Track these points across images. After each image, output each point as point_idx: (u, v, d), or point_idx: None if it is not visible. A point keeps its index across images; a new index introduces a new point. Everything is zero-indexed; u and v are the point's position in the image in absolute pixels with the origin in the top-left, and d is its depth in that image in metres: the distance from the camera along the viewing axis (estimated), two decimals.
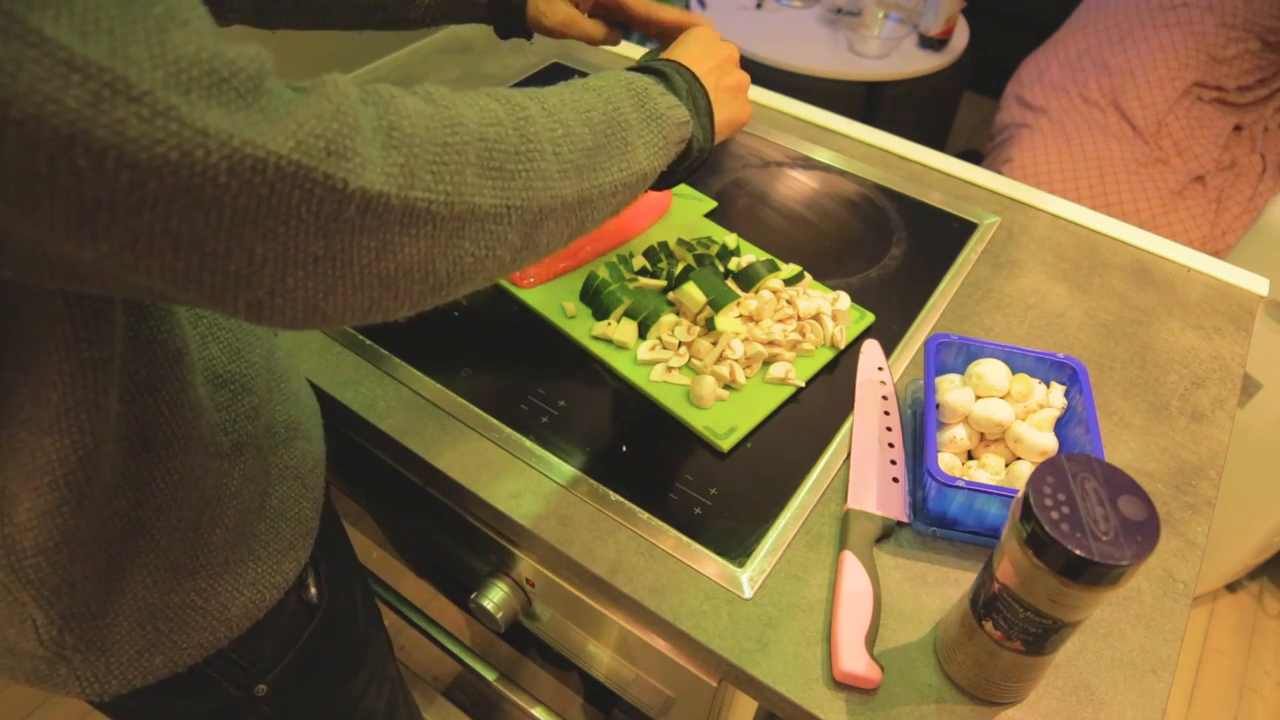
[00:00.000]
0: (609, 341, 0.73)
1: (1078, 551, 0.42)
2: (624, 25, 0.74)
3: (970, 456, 0.65)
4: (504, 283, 0.79)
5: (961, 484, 0.57)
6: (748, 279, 0.75)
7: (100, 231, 0.30)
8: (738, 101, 0.61)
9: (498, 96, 0.43)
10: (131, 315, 0.42)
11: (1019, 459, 0.63)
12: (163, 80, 0.28)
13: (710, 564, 0.59)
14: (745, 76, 0.63)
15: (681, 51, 0.60)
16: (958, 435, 0.64)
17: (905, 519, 0.62)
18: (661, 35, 0.71)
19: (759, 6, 2.17)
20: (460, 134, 0.38)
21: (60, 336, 0.38)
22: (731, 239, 0.83)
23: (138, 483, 0.45)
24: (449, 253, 0.39)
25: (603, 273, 0.78)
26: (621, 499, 0.63)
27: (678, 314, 0.74)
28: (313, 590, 0.60)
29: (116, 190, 0.29)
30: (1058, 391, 0.65)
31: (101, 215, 0.29)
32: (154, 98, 0.28)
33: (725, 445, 0.66)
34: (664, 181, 0.57)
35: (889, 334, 0.77)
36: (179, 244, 0.31)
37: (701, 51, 0.60)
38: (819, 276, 0.81)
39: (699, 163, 0.58)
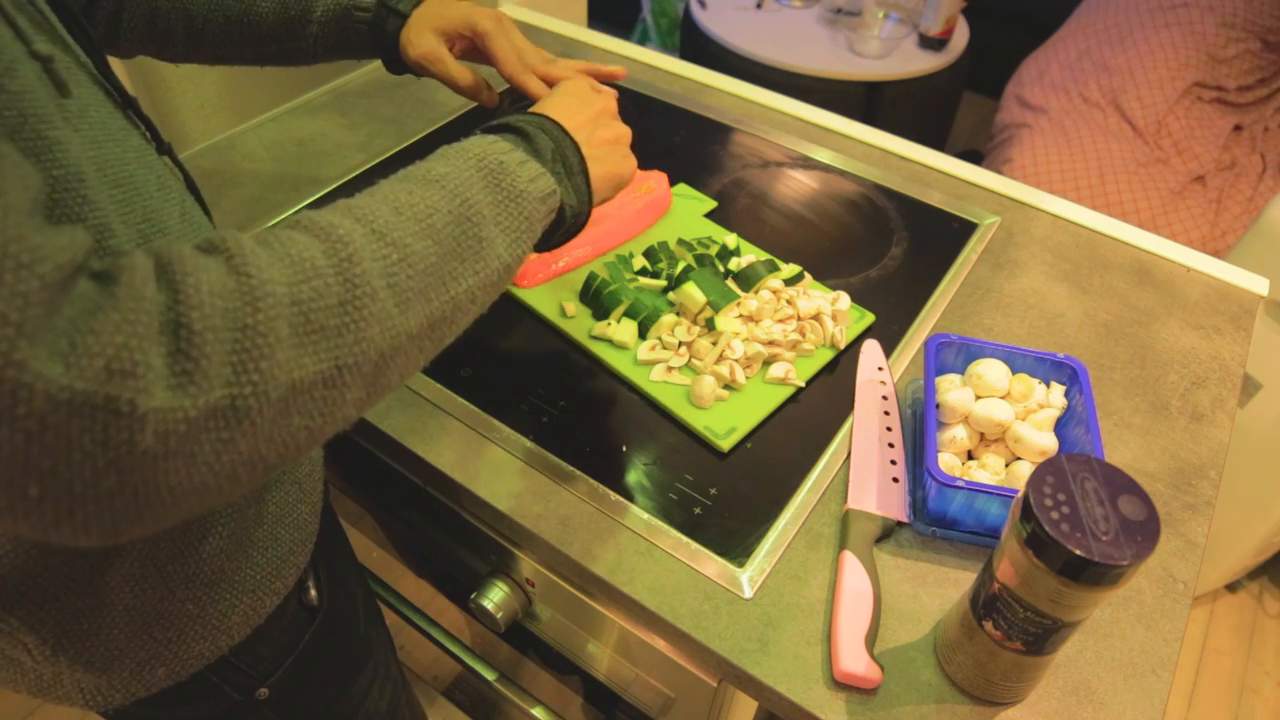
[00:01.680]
0: (609, 341, 0.73)
1: (1078, 551, 0.42)
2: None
3: (970, 456, 0.65)
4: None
5: (961, 484, 0.57)
6: (748, 279, 0.75)
7: None
8: (616, 154, 0.56)
9: (318, 231, 0.37)
10: None
11: (1019, 459, 0.63)
12: None
13: (710, 564, 0.60)
14: (625, 129, 0.58)
15: (551, 105, 0.55)
16: (958, 435, 0.64)
17: (905, 519, 0.62)
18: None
19: (759, 6, 2.17)
20: (264, 309, 0.32)
21: None
22: (731, 239, 0.83)
23: None
24: (277, 437, 0.34)
25: (603, 273, 0.78)
26: (621, 499, 0.63)
27: (678, 314, 0.74)
28: (313, 593, 0.60)
29: None
30: (1058, 391, 0.65)
31: None
32: None
33: (725, 445, 0.66)
34: (540, 249, 0.52)
35: (889, 334, 0.77)
36: None
37: (574, 103, 0.55)
38: (819, 276, 0.81)
39: (577, 227, 0.53)
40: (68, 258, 0.28)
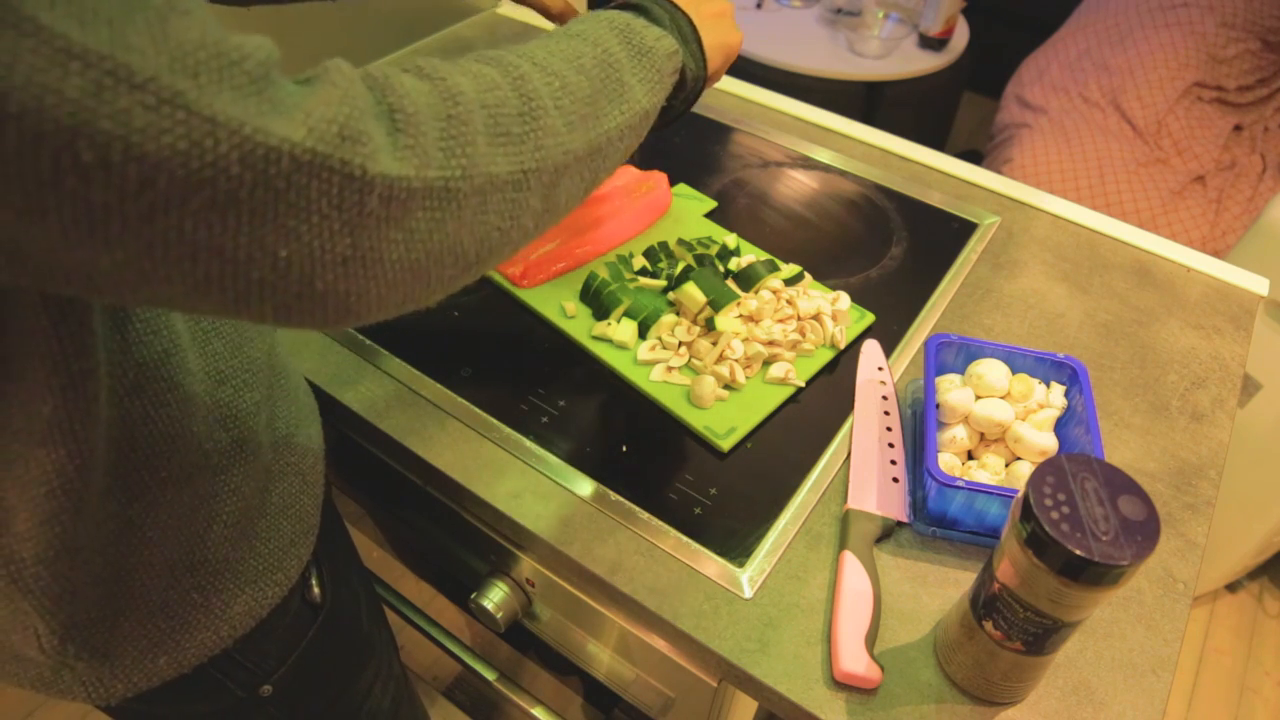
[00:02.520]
0: (609, 341, 0.73)
1: (1078, 551, 0.42)
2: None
3: (970, 456, 0.65)
4: (504, 283, 0.79)
5: (961, 484, 0.57)
6: (748, 279, 0.75)
7: (113, 239, 0.28)
8: (724, 26, 0.59)
9: (488, 60, 0.41)
10: (112, 321, 0.42)
11: (1019, 459, 0.63)
12: (167, 66, 0.27)
13: (710, 564, 0.60)
14: (728, 4, 0.61)
15: None
16: (958, 435, 0.64)
17: (905, 519, 0.62)
18: None
19: (759, 6, 2.17)
20: (462, 105, 0.37)
21: (47, 353, 0.37)
22: (731, 239, 0.83)
23: (126, 483, 0.45)
24: (475, 230, 0.37)
25: (603, 273, 0.78)
26: (621, 499, 0.63)
27: (678, 314, 0.74)
28: (316, 590, 0.60)
29: (125, 190, 0.27)
30: (1058, 391, 0.65)
31: (113, 222, 0.28)
32: (158, 84, 0.27)
33: (725, 445, 0.66)
34: (666, 117, 0.55)
35: (889, 334, 0.77)
36: (196, 251, 0.30)
37: None
38: (819, 276, 0.81)
39: (695, 93, 0.56)
40: (265, 54, 0.30)
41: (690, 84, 0.55)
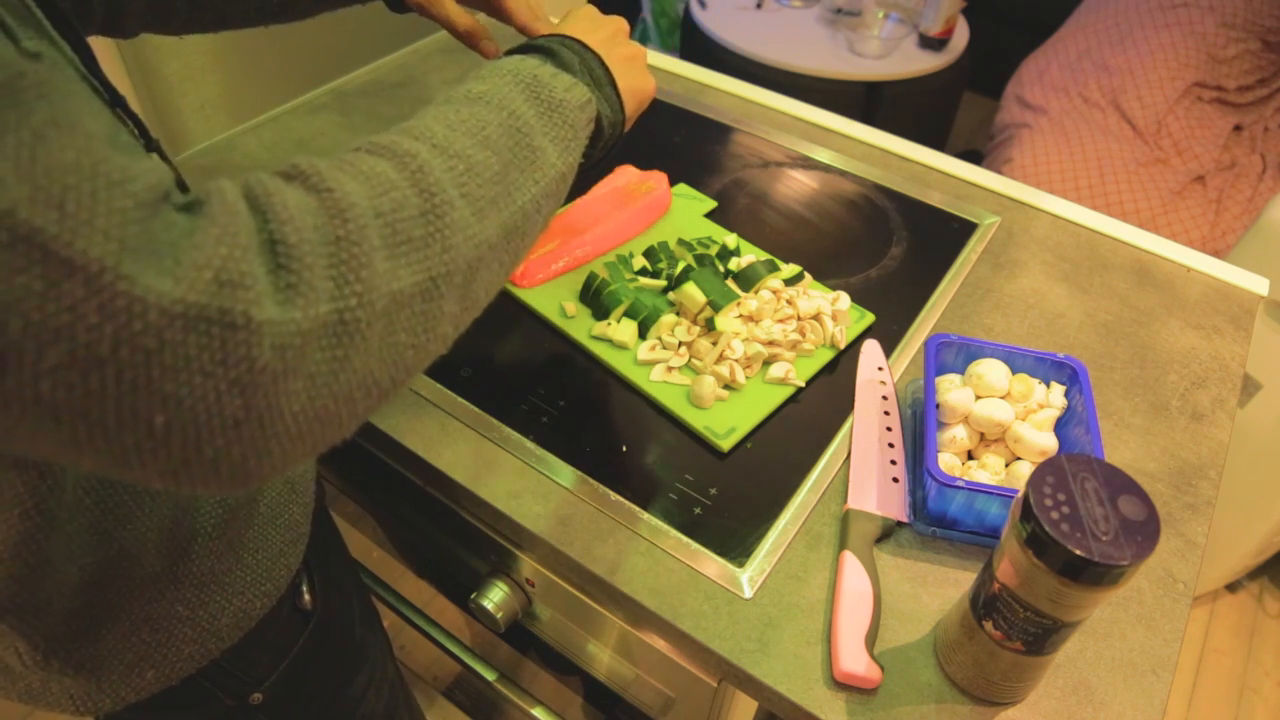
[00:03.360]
0: (609, 341, 0.73)
1: (1078, 551, 0.42)
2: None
3: (970, 456, 0.65)
4: (514, 269, 0.78)
5: (961, 484, 0.57)
6: (748, 279, 0.75)
7: None
8: (636, 69, 0.55)
9: (381, 151, 0.37)
10: None
11: (1019, 459, 0.63)
12: (28, 196, 0.24)
13: (710, 564, 0.60)
14: (640, 48, 0.58)
15: (566, 27, 0.54)
16: (958, 435, 0.64)
17: (905, 519, 0.62)
18: None
19: (759, 6, 2.17)
20: (352, 221, 0.33)
21: None
22: (731, 239, 0.83)
23: (97, 496, 0.44)
24: (386, 355, 0.34)
25: (603, 273, 0.78)
26: (621, 499, 0.63)
27: (678, 314, 0.74)
28: (306, 597, 0.59)
29: None
30: (1058, 391, 0.65)
31: None
32: (14, 219, 0.24)
33: (725, 445, 0.66)
34: (583, 166, 0.51)
35: (889, 334, 0.77)
36: (57, 413, 0.26)
37: (588, 24, 0.54)
38: (819, 276, 0.81)
39: (614, 141, 0.53)
40: (156, 179, 0.28)
41: (608, 131, 0.52)
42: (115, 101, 0.45)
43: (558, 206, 0.46)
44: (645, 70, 0.57)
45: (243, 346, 0.28)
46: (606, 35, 0.54)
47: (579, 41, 0.52)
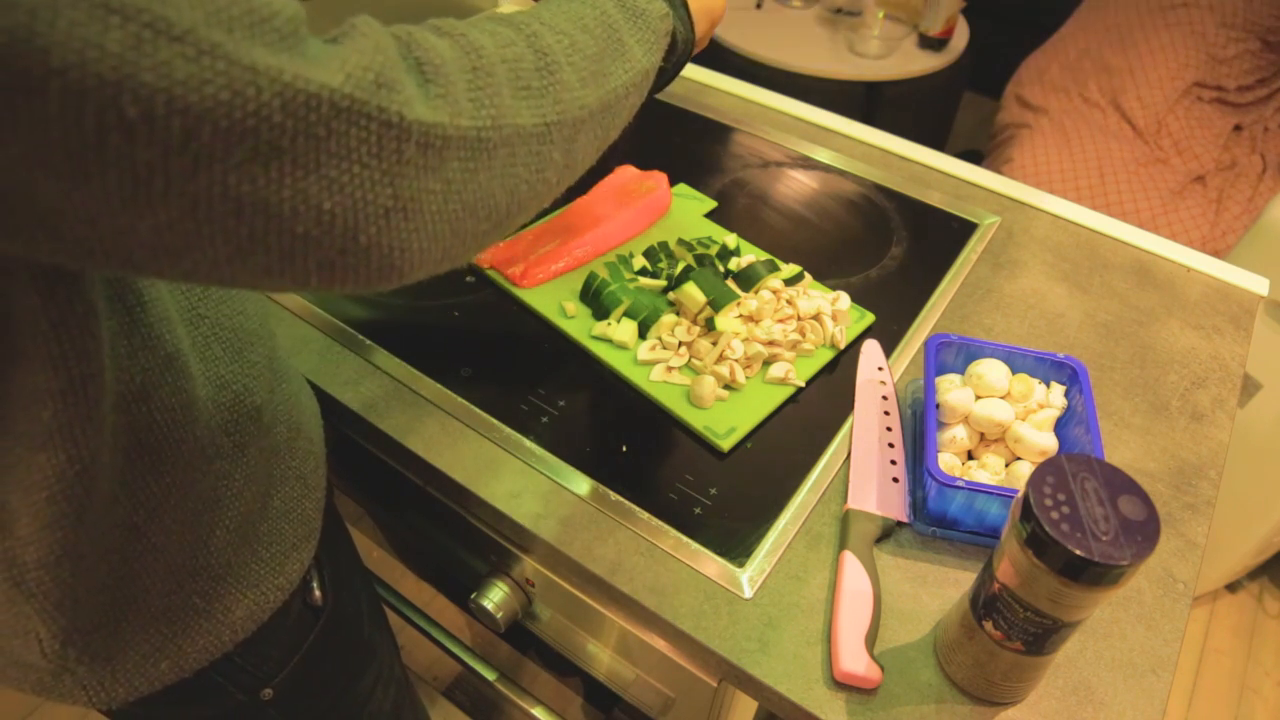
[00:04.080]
0: (609, 341, 0.73)
1: (1078, 551, 0.42)
2: None
3: (970, 456, 0.65)
4: (504, 283, 0.79)
5: (961, 484, 0.57)
6: (748, 279, 0.75)
7: (157, 199, 0.28)
8: None
9: (501, 20, 0.42)
10: (118, 327, 0.41)
11: (1019, 459, 0.63)
12: (203, 19, 0.27)
13: (710, 564, 0.60)
14: None
15: None
16: (958, 435, 0.64)
17: (905, 519, 0.62)
18: None
19: (759, 6, 2.17)
20: (485, 58, 0.38)
21: (46, 355, 0.37)
22: (731, 239, 0.83)
23: (132, 490, 0.45)
24: (505, 181, 0.38)
25: (603, 273, 0.78)
26: (621, 499, 0.63)
27: (678, 314, 0.74)
28: (317, 593, 0.60)
29: (170, 146, 0.27)
30: (1058, 391, 0.65)
31: (157, 180, 0.28)
32: (197, 36, 0.27)
33: (725, 445, 0.66)
34: (659, 81, 0.57)
35: (889, 334, 0.77)
36: (241, 207, 0.30)
37: None
38: (819, 276, 0.81)
39: (686, 55, 0.58)
40: (294, 11, 0.31)
41: (680, 47, 0.56)
42: None
43: (640, 101, 0.52)
44: None
45: (394, 141, 0.32)
46: None
47: None
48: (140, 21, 0.26)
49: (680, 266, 0.78)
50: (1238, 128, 1.92)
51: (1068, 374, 0.65)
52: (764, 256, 0.81)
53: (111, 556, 0.45)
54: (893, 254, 0.86)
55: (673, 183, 0.92)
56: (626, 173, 0.89)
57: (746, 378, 0.70)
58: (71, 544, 0.43)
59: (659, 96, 1.07)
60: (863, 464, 0.65)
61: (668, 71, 0.57)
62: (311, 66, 0.30)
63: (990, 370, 0.64)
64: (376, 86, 0.32)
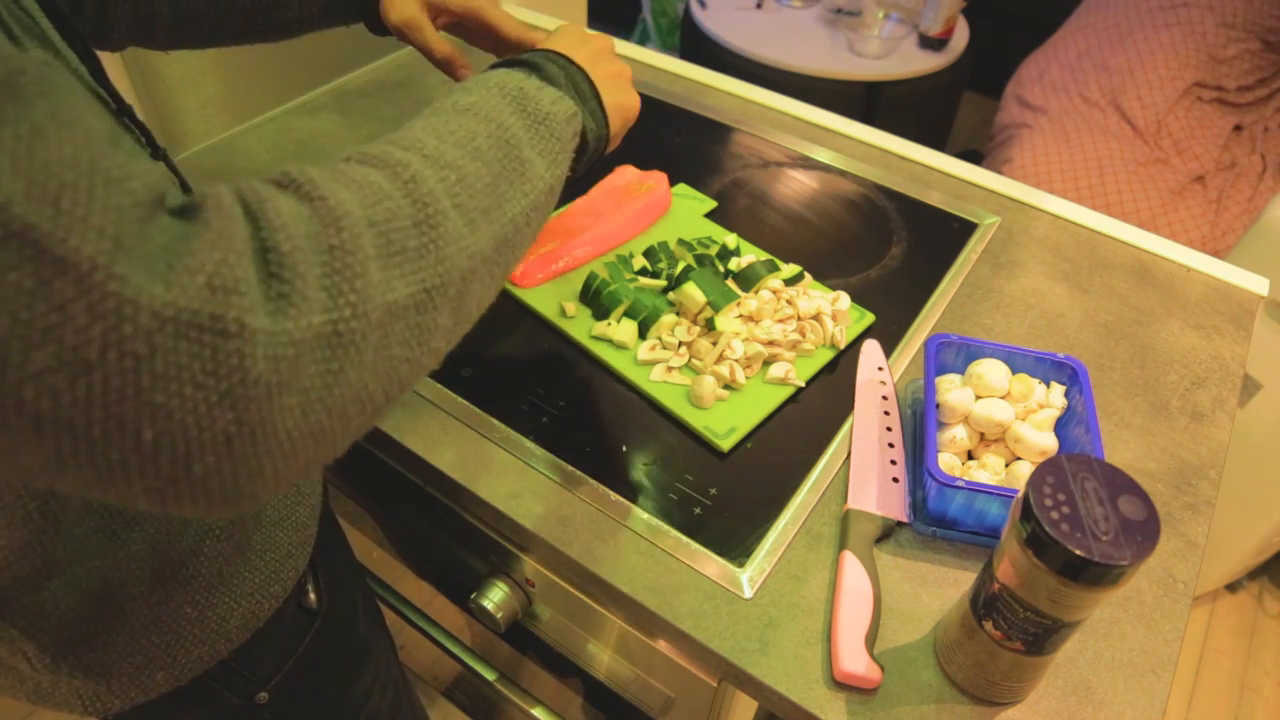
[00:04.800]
0: (609, 341, 0.73)
1: (1078, 551, 0.42)
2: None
3: (970, 456, 0.65)
4: (504, 283, 0.79)
5: (961, 484, 0.57)
6: (748, 279, 0.75)
7: None
8: (621, 86, 0.55)
9: (373, 161, 0.36)
10: None
11: (1019, 459, 0.63)
12: (23, 192, 0.24)
13: (710, 564, 0.60)
14: (625, 67, 0.57)
15: (551, 43, 0.54)
16: (958, 435, 0.64)
17: (905, 519, 0.62)
18: None
19: (759, 6, 2.17)
20: (346, 229, 0.32)
21: None
22: (731, 239, 0.83)
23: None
24: (380, 367, 0.33)
25: (603, 273, 0.78)
26: (622, 499, 0.63)
27: (678, 314, 0.74)
28: (312, 596, 0.60)
29: None
30: (1058, 391, 0.65)
31: None
32: (8, 214, 0.24)
33: (725, 445, 0.66)
34: (567, 183, 0.50)
35: (889, 334, 0.77)
36: (40, 423, 0.25)
37: (573, 40, 0.54)
38: (819, 276, 0.81)
39: (598, 154, 0.53)
40: (153, 180, 0.27)
41: (593, 145, 0.51)
42: (122, 110, 0.46)
43: (545, 220, 0.46)
44: (630, 87, 0.57)
45: (235, 356, 0.27)
46: (592, 52, 0.54)
47: (564, 56, 0.51)
48: None
49: (680, 266, 0.78)
50: (1238, 128, 1.92)
51: (1068, 374, 0.65)
52: (764, 256, 0.81)
53: (90, 562, 0.45)
54: (893, 254, 0.86)
55: (673, 183, 0.92)
56: (626, 173, 0.89)
57: (746, 378, 0.70)
58: (49, 557, 0.42)
59: (659, 97, 1.07)
60: (863, 464, 0.65)
61: (579, 173, 0.51)
62: (141, 262, 0.26)
63: (990, 370, 0.64)
64: (210, 292, 0.27)
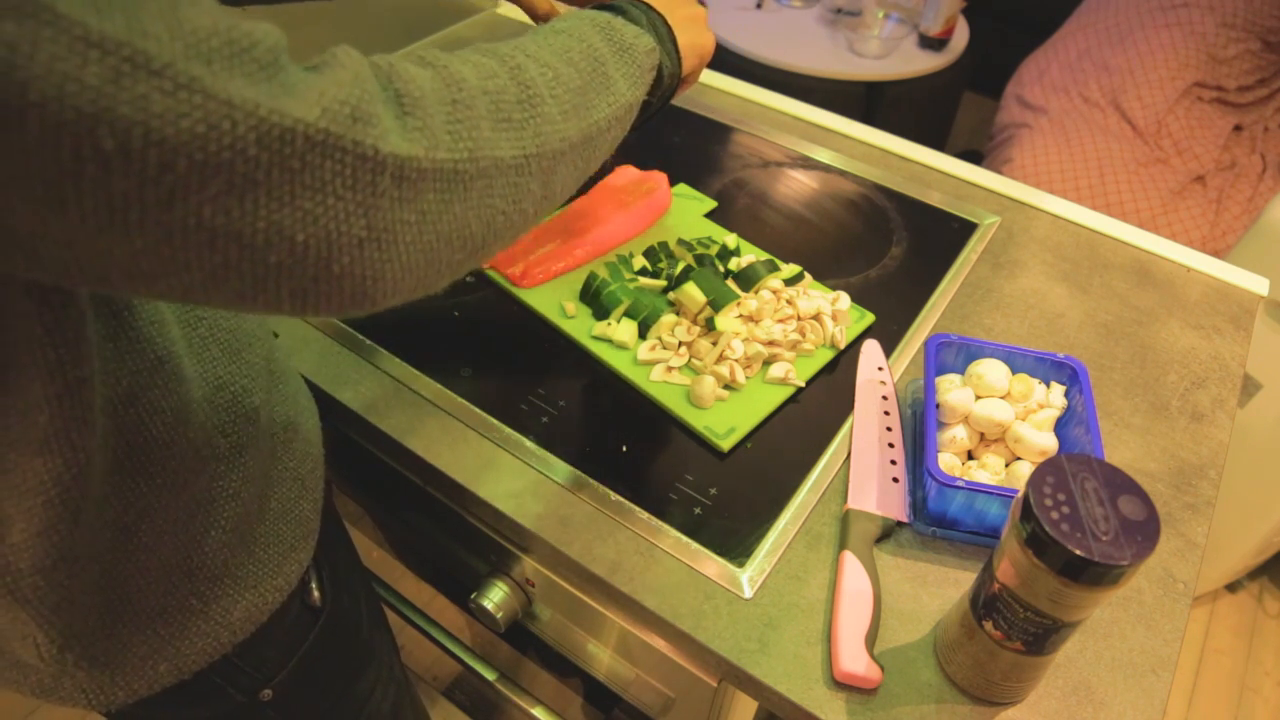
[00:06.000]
0: (609, 341, 0.73)
1: (1078, 551, 0.42)
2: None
3: (970, 456, 0.65)
4: (504, 283, 0.79)
5: (961, 484, 0.57)
6: (748, 279, 0.75)
7: (133, 227, 0.29)
8: (697, 28, 0.60)
9: (485, 51, 0.43)
10: (104, 329, 0.41)
11: (1019, 459, 0.63)
12: (182, 52, 0.28)
13: (710, 564, 0.60)
14: (701, 9, 0.62)
15: None
16: (958, 435, 0.64)
17: (905, 519, 0.62)
18: None
19: (759, 6, 2.17)
20: (465, 90, 0.38)
21: (43, 361, 0.37)
22: (731, 239, 0.83)
23: (122, 491, 0.44)
24: (481, 212, 0.39)
25: (603, 273, 0.78)
26: (621, 499, 0.63)
27: (678, 314, 0.74)
28: (315, 593, 0.60)
29: (145, 177, 0.28)
30: (1058, 391, 0.65)
31: (132, 209, 0.28)
32: (175, 70, 0.27)
33: (725, 445, 0.66)
34: (644, 114, 0.57)
35: (889, 334, 0.77)
36: (215, 237, 0.30)
37: None
38: (819, 276, 0.81)
39: (672, 90, 0.58)
40: (274, 41, 0.31)
41: (667, 81, 0.57)
42: None
43: (623, 133, 0.52)
44: (705, 28, 0.62)
45: (369, 174, 0.32)
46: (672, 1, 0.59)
47: (645, 2, 0.57)
48: (120, 55, 0.26)
49: (680, 266, 0.78)
50: (1238, 128, 1.92)
51: (1068, 374, 0.65)
52: (764, 256, 0.81)
53: (104, 557, 0.45)
54: (893, 254, 0.86)
55: (673, 183, 0.92)
56: (626, 173, 0.89)
57: (746, 378, 0.70)
58: (66, 547, 0.43)
59: None
60: (863, 464, 0.65)
61: (652, 105, 0.57)
62: (288, 99, 0.30)
63: (990, 370, 0.64)
64: (353, 120, 0.32)
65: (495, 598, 0.69)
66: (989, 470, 0.62)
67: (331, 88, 0.32)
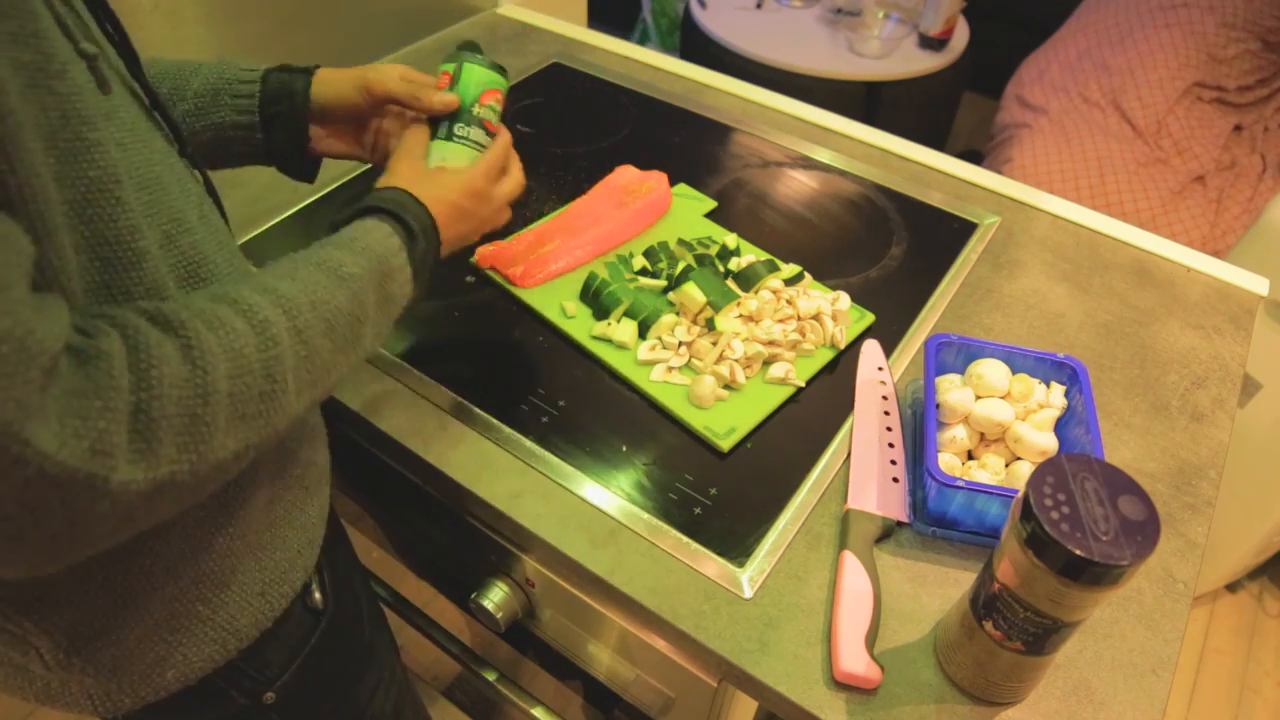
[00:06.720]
0: (609, 341, 0.73)
1: (1078, 551, 0.42)
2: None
3: (970, 456, 0.65)
4: (504, 283, 0.79)
5: (961, 484, 0.57)
6: (748, 279, 0.75)
7: None
8: (473, 227, 0.60)
9: (257, 324, 0.41)
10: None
11: (1019, 459, 0.63)
12: None
13: (710, 564, 0.59)
14: (503, 219, 0.62)
15: (446, 202, 0.57)
16: (958, 435, 0.64)
17: (905, 519, 0.62)
18: None
19: (759, 6, 2.17)
20: (212, 403, 0.38)
21: None
22: (731, 239, 0.83)
23: None
24: (197, 496, 0.40)
25: (603, 273, 0.78)
26: (621, 499, 0.63)
27: (678, 314, 0.74)
28: (317, 596, 0.60)
29: None
30: (1058, 391, 0.65)
31: None
32: None
33: (725, 445, 0.66)
34: None
35: (889, 334, 0.77)
36: None
37: (466, 208, 0.58)
38: (819, 276, 0.81)
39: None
40: (58, 344, 0.32)
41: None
42: (154, 105, 0.47)
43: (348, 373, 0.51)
44: (482, 230, 0.62)
45: (90, 501, 0.33)
46: (469, 229, 0.59)
47: (437, 234, 0.56)
48: None
49: (680, 266, 0.78)
50: (1238, 128, 1.92)
51: (1068, 374, 0.65)
52: (764, 256, 0.81)
53: (109, 564, 0.45)
54: (893, 254, 0.86)
55: (673, 183, 0.92)
56: (626, 173, 0.89)
57: (746, 378, 0.70)
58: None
59: (659, 97, 1.07)
60: (863, 464, 0.65)
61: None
62: (40, 426, 0.30)
63: (990, 370, 0.64)
64: (91, 455, 0.32)
65: (495, 598, 0.69)
66: (989, 470, 0.62)
67: (77, 420, 0.32)
